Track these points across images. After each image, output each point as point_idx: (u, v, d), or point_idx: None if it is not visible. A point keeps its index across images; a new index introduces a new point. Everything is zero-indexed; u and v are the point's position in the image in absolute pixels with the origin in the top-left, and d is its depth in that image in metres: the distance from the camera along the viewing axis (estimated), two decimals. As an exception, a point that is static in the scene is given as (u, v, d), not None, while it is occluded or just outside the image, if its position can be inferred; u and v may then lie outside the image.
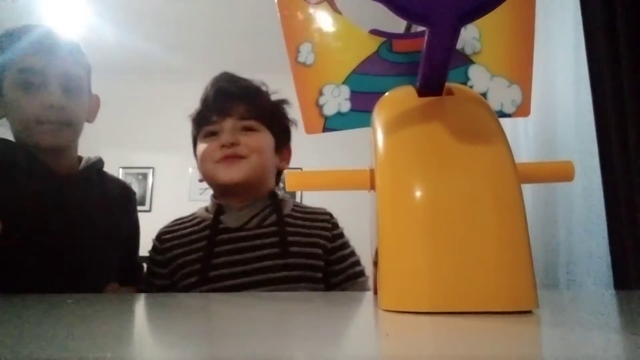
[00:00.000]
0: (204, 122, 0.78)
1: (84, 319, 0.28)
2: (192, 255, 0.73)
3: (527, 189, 1.00)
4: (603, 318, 0.27)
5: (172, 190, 3.34)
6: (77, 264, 0.68)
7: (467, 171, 0.27)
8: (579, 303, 0.37)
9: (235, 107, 0.75)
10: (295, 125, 0.82)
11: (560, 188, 0.96)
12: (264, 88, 0.81)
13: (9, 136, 0.72)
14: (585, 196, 0.87)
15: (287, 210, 0.78)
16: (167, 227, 0.80)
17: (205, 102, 0.79)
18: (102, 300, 0.43)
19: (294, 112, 0.78)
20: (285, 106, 0.82)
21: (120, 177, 3.40)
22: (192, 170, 3.40)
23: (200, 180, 0.80)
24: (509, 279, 0.26)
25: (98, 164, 0.78)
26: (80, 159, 0.77)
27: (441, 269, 0.26)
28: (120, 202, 0.80)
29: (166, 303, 0.43)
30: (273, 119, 0.79)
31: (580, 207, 0.89)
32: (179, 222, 0.80)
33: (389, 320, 0.25)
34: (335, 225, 0.79)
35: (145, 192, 3.40)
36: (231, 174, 0.73)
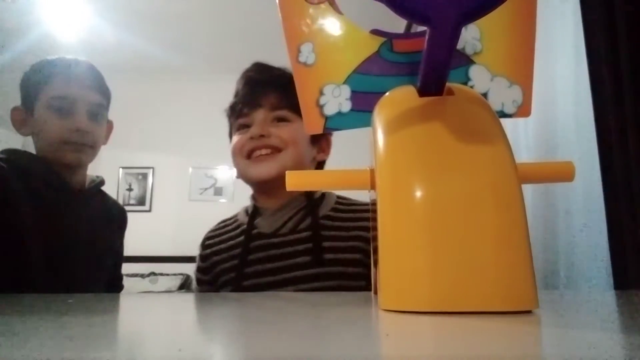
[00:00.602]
0: (236, 115, 0.74)
1: (84, 319, 0.28)
2: (228, 263, 0.70)
3: (527, 189, 1.00)
4: (603, 318, 0.27)
5: (172, 190, 3.34)
6: (81, 269, 0.76)
7: (467, 171, 0.27)
8: (579, 303, 0.37)
9: (266, 97, 0.71)
10: None
11: (560, 188, 0.97)
12: None
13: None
14: (585, 196, 0.87)
15: (326, 208, 0.72)
16: (211, 231, 0.78)
17: (236, 94, 0.76)
18: (104, 299, 0.43)
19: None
20: None
21: (120, 177, 3.41)
22: (192, 170, 3.40)
23: (238, 177, 0.76)
24: (509, 279, 0.26)
25: (100, 183, 0.86)
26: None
27: (441, 268, 0.26)
28: (117, 220, 0.89)
29: (165, 303, 0.43)
30: None
31: (580, 207, 0.89)
32: (221, 225, 0.78)
33: (389, 320, 0.25)
34: None
35: (145, 192, 3.40)
36: (262, 170, 0.69)
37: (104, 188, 0.87)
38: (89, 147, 0.78)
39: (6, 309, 0.34)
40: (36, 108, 0.77)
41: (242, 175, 0.73)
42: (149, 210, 3.36)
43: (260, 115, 0.71)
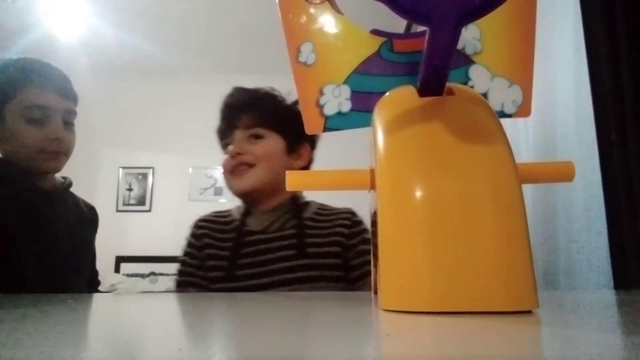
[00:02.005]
0: (220, 136, 0.85)
1: (84, 319, 0.28)
2: (220, 252, 0.78)
3: (527, 189, 1.00)
4: (603, 318, 0.27)
5: (172, 190, 3.34)
6: (67, 268, 0.78)
7: (467, 171, 0.27)
8: (579, 303, 0.37)
9: (240, 119, 0.82)
10: None
11: (560, 188, 0.96)
12: (272, 92, 0.86)
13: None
14: (585, 196, 0.87)
15: (309, 212, 0.82)
16: (205, 215, 0.87)
17: (219, 118, 0.86)
18: (102, 300, 0.43)
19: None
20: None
21: (120, 177, 3.41)
22: (192, 170, 3.40)
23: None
24: (509, 279, 0.26)
25: (69, 185, 0.87)
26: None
27: (441, 268, 0.26)
28: (90, 217, 0.91)
29: (168, 301, 0.43)
30: (280, 121, 0.82)
31: (580, 208, 0.89)
32: (216, 214, 0.86)
33: (389, 320, 0.25)
34: (357, 223, 0.81)
35: (145, 192, 3.40)
36: (240, 183, 0.80)
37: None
38: (64, 154, 0.79)
39: (5, 309, 0.34)
40: (7, 113, 0.76)
41: (229, 188, 0.83)
42: (149, 210, 3.36)
43: (238, 135, 0.81)
